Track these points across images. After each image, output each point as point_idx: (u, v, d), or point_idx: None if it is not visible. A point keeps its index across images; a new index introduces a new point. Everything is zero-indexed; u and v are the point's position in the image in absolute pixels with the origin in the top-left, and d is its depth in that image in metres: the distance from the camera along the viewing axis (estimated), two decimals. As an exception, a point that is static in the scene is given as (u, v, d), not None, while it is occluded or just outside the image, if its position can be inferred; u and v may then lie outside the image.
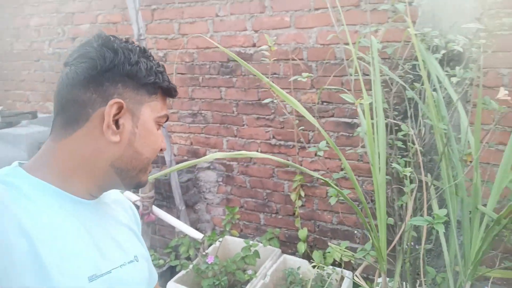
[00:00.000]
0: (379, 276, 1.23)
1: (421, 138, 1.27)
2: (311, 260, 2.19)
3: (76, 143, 0.63)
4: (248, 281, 1.99)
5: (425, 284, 1.24)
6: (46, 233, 0.56)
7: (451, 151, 1.12)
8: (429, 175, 1.15)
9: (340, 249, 1.90)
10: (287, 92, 2.17)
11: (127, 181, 0.68)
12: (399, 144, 1.35)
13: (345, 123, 2.05)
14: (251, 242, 2.14)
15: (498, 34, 1.67)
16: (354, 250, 2.17)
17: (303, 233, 2.21)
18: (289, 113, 2.19)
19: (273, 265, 2.16)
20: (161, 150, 0.71)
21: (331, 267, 2.08)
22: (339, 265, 2.17)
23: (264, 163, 2.35)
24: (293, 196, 2.24)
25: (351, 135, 2.06)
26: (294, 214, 2.31)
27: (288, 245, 2.38)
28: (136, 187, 0.73)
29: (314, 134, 2.17)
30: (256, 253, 2.10)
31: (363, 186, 2.11)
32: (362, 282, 1.16)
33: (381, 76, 1.54)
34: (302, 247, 2.21)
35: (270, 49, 1.24)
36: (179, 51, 2.48)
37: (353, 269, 2.20)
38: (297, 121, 1.98)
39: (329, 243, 1.59)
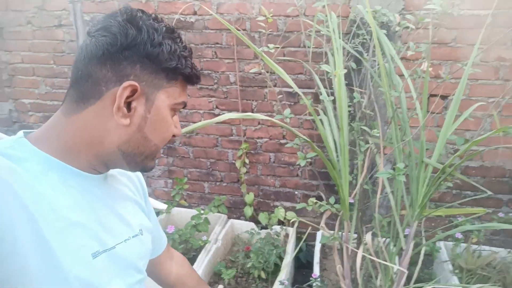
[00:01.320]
0: (340, 224, 1.41)
1: (371, 106, 1.46)
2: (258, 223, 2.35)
3: (86, 121, 0.60)
4: (202, 247, 2.06)
5: (374, 228, 1.45)
6: (48, 211, 0.55)
7: (400, 115, 1.32)
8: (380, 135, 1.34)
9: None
10: (230, 63, 2.23)
11: (132, 165, 0.66)
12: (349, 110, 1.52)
13: (287, 92, 2.18)
14: (202, 210, 2.20)
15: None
16: (295, 209, 2.38)
17: (249, 197, 2.34)
18: (232, 83, 2.24)
19: (222, 230, 2.26)
20: (174, 136, 0.68)
21: (278, 226, 2.27)
22: (282, 223, 2.36)
23: (208, 133, 2.39)
24: (238, 164, 2.33)
25: (292, 103, 2.20)
26: (238, 180, 2.41)
27: (233, 210, 2.49)
28: (142, 171, 0.71)
29: (258, 103, 2.26)
30: (207, 220, 2.17)
31: (303, 150, 2.29)
32: (327, 231, 1.32)
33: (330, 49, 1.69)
34: (249, 211, 2.34)
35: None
36: (109, 17, 2.31)
37: (293, 226, 2.42)
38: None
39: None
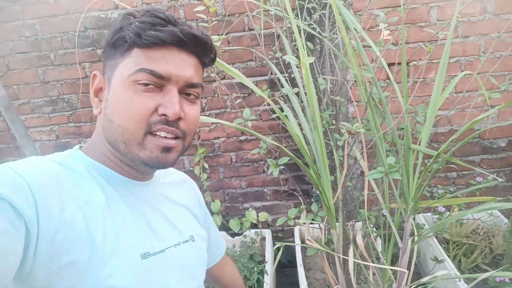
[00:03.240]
0: (326, 229, 1.23)
1: (337, 91, 1.26)
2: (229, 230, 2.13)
3: (98, 120, 0.64)
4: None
5: (364, 225, 1.29)
6: (100, 212, 0.56)
7: (375, 99, 1.14)
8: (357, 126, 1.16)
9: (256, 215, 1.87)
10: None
11: (127, 157, 0.61)
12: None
13: (240, 83, 1.94)
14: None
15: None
16: (266, 208, 2.19)
17: (216, 205, 2.11)
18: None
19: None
20: (164, 115, 0.58)
21: (252, 231, 2.07)
22: (255, 226, 2.17)
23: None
24: (197, 170, 2.08)
25: (246, 95, 1.97)
26: (200, 189, 2.16)
27: (200, 221, 2.25)
28: (149, 166, 0.60)
29: (208, 100, 2.01)
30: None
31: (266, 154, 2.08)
32: (315, 244, 1.14)
33: (281, 29, 1.46)
34: (217, 220, 2.11)
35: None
36: (13, 24, 1.92)
37: (268, 226, 2.23)
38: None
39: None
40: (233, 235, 2.11)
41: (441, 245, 1.81)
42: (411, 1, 1.83)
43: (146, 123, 0.58)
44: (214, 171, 2.14)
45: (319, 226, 1.22)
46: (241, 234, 2.06)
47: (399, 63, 1.77)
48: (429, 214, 2.05)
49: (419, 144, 1.07)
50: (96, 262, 0.53)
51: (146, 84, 0.57)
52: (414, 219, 1.46)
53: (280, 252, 1.11)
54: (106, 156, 0.63)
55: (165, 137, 0.59)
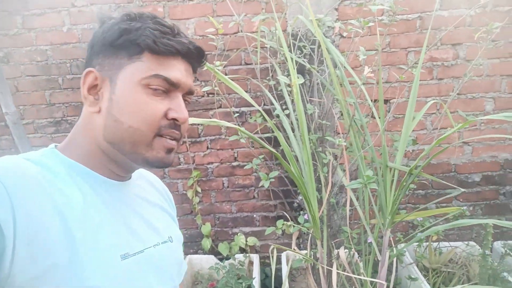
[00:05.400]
0: (312, 243, 1.32)
1: (325, 116, 1.41)
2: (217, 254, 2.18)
3: (82, 120, 0.64)
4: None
5: (346, 242, 1.39)
6: (78, 213, 0.56)
7: (358, 122, 1.28)
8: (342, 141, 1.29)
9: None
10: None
11: (130, 157, 0.63)
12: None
13: (235, 112, 2.09)
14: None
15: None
16: (255, 233, 2.26)
17: (206, 228, 2.18)
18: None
19: (180, 268, 2.06)
20: (174, 120, 0.62)
21: (241, 255, 2.13)
22: (244, 251, 2.23)
23: (153, 165, 2.20)
24: (189, 194, 2.17)
25: (240, 123, 2.11)
26: (192, 212, 2.24)
27: (189, 245, 2.30)
28: (152, 166, 0.64)
29: (204, 127, 2.14)
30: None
31: (257, 172, 2.19)
32: (299, 252, 1.22)
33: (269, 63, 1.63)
34: (207, 243, 2.17)
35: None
36: (26, 49, 2.07)
37: (256, 252, 2.29)
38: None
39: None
40: (222, 259, 2.16)
41: (421, 272, 1.89)
42: (392, 45, 2.04)
43: (157, 126, 0.61)
44: (206, 195, 2.22)
45: (306, 251, 1.30)
46: (229, 258, 2.11)
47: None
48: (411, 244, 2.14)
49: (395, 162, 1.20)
50: (76, 264, 0.53)
51: (156, 89, 0.60)
52: (396, 246, 1.55)
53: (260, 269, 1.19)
54: (86, 155, 0.63)
55: (170, 139, 0.63)
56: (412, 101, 1.18)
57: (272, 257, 1.17)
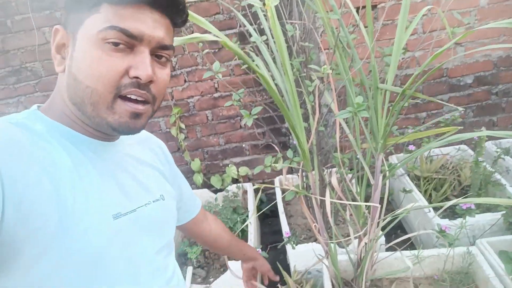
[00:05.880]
0: (303, 174, 1.27)
1: (306, 37, 1.26)
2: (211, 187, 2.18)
3: (60, 78, 0.61)
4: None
5: (337, 169, 1.34)
6: (66, 173, 0.54)
7: (343, 43, 1.14)
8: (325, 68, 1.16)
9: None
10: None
11: (94, 121, 0.58)
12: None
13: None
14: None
15: None
16: (246, 163, 2.24)
17: (196, 164, 2.13)
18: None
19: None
20: (135, 78, 0.55)
21: (234, 185, 2.12)
22: (237, 181, 2.22)
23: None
24: (173, 131, 2.08)
25: (217, 50, 1.94)
26: (179, 149, 2.17)
27: (181, 181, 2.28)
28: (118, 132, 0.59)
29: (178, 59, 1.97)
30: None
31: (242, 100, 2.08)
32: (293, 188, 1.18)
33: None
34: (198, 178, 2.15)
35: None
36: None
37: (249, 180, 2.29)
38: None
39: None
40: (216, 191, 2.15)
41: (412, 182, 1.91)
42: None
43: (116, 85, 0.55)
44: (191, 130, 2.14)
45: (297, 175, 1.27)
46: (223, 190, 2.11)
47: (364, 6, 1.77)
48: (401, 154, 2.14)
49: (386, 84, 1.10)
50: (67, 224, 0.52)
51: (116, 44, 0.54)
52: (387, 160, 1.52)
53: (259, 194, 1.15)
54: (68, 116, 0.60)
55: (135, 102, 0.57)
56: (406, 4, 1.03)
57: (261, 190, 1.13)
